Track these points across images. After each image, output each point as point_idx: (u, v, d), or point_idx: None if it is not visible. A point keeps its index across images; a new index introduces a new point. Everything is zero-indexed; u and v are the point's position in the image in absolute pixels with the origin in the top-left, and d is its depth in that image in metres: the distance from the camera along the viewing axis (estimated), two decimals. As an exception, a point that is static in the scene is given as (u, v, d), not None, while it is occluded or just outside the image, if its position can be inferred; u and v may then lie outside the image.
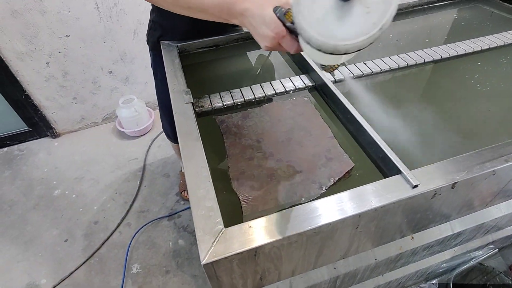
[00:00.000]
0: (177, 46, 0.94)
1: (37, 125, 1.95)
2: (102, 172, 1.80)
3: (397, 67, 0.87)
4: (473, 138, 0.69)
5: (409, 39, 1.02)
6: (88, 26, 1.68)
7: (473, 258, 1.07)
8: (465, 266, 1.07)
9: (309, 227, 0.48)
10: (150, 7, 1.04)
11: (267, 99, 0.80)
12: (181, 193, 1.63)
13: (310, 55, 0.51)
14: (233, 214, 0.56)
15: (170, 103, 1.09)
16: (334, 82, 0.82)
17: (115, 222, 1.54)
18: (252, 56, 0.98)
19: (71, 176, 1.79)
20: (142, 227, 1.50)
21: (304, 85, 0.82)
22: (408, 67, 0.88)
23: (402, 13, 1.15)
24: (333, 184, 0.59)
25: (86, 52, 1.77)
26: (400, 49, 0.96)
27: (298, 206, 0.51)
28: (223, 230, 0.48)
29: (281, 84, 0.82)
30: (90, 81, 1.90)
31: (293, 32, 0.49)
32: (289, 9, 0.49)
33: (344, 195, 0.52)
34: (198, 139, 0.63)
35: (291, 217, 0.49)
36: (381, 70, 0.86)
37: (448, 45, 0.93)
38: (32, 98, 1.82)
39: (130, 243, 1.44)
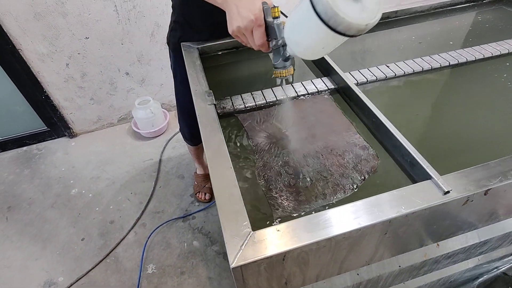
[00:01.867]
0: (198, 48, 0.94)
1: (55, 125, 1.99)
2: (117, 172, 1.83)
3: (421, 69, 0.85)
4: (507, 139, 0.67)
5: (432, 41, 1.00)
6: (107, 28, 1.71)
7: (496, 268, 1.04)
8: (489, 276, 1.03)
9: (339, 232, 0.47)
10: (168, 10, 1.05)
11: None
12: (196, 194, 1.64)
13: (296, 40, 0.53)
14: (261, 215, 0.55)
15: (189, 105, 1.10)
16: (357, 84, 0.81)
17: (130, 222, 1.56)
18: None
19: (87, 175, 1.82)
20: (157, 227, 1.51)
21: (326, 88, 0.81)
22: (432, 70, 0.86)
23: (424, 15, 1.13)
24: (363, 181, 0.58)
25: (104, 54, 1.80)
26: (422, 52, 0.94)
27: (326, 210, 0.50)
28: (251, 234, 0.47)
29: (302, 86, 0.82)
30: (107, 82, 1.93)
31: (267, 28, 0.58)
32: (274, 6, 0.56)
33: (373, 200, 0.51)
34: (222, 140, 0.63)
35: (320, 221, 0.48)
36: (404, 73, 0.84)
37: (474, 47, 0.91)
38: (51, 98, 1.86)
39: (146, 244, 1.45)
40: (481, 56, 0.88)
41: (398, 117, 0.72)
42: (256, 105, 0.78)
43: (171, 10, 1.02)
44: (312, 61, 0.93)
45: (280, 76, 0.64)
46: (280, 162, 0.63)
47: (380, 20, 0.49)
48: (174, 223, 1.55)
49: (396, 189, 0.52)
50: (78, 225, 1.57)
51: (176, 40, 1.02)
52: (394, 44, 1.00)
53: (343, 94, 0.80)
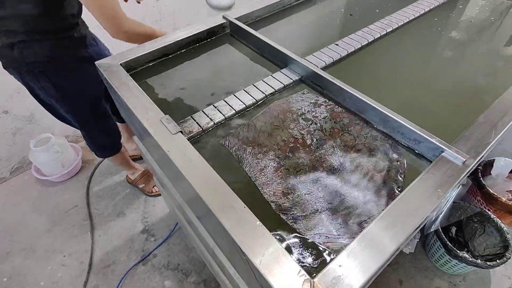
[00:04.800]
0: (121, 64, 0.75)
1: None
2: (34, 236, 1.44)
3: (373, 39, 0.86)
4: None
5: (361, 12, 1.01)
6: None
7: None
8: (445, 210, 1.17)
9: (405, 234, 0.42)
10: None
11: (258, 104, 0.70)
12: (150, 193, 1.54)
13: None
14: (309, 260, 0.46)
15: (103, 112, 1.09)
16: (325, 67, 0.76)
17: (76, 291, 1.25)
18: (212, 58, 0.85)
19: (-10, 254, 1.38)
20: (118, 285, 1.25)
21: (292, 80, 0.74)
22: (380, 37, 0.88)
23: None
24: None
25: (-37, 94, 1.34)
26: (359, 24, 0.94)
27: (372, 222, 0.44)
28: (312, 282, 0.39)
29: (266, 84, 0.73)
30: (-21, 130, 1.46)
31: None
32: None
33: (412, 191, 0.47)
34: (221, 183, 0.50)
35: (376, 236, 0.42)
36: (361, 45, 0.83)
37: (398, 12, 0.97)
38: None
39: (107, 309, 1.19)
40: (413, 16, 0.94)
41: (379, 93, 0.70)
42: (225, 117, 0.66)
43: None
44: (263, 55, 0.84)
45: None
46: (303, 191, 0.53)
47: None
48: (134, 271, 1.31)
49: (422, 174, 0.50)
50: (2, 323, 1.18)
51: (50, 53, 0.87)
52: (328, 19, 0.99)
53: (312, 83, 0.74)
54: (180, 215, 0.92)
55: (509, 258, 1.03)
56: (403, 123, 0.57)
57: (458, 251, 1.06)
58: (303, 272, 0.39)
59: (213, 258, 0.77)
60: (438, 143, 0.53)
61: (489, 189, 1.19)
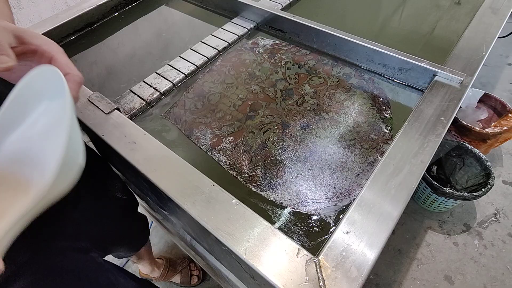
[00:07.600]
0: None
1: None
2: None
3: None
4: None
5: None
6: None
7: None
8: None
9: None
10: None
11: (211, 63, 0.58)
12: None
13: None
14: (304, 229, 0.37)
15: None
16: (282, 9, 0.65)
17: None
18: (147, 23, 0.70)
19: None
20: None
21: (247, 29, 0.62)
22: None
23: None
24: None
25: None
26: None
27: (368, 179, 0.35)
28: (318, 262, 0.29)
29: (217, 38, 0.60)
30: None
31: None
32: None
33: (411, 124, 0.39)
34: (178, 162, 0.38)
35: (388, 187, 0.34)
36: None
37: None
38: None
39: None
40: None
41: (347, 26, 0.60)
42: (174, 84, 0.53)
43: None
44: (207, 7, 0.70)
45: None
46: (287, 156, 0.43)
47: None
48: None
49: (416, 105, 0.42)
50: None
51: None
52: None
53: (271, 28, 0.62)
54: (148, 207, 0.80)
55: (493, 185, 1.03)
56: (383, 51, 0.48)
57: (445, 188, 1.04)
58: (303, 251, 0.30)
59: (194, 252, 0.67)
60: (428, 66, 0.45)
61: (462, 121, 1.17)
